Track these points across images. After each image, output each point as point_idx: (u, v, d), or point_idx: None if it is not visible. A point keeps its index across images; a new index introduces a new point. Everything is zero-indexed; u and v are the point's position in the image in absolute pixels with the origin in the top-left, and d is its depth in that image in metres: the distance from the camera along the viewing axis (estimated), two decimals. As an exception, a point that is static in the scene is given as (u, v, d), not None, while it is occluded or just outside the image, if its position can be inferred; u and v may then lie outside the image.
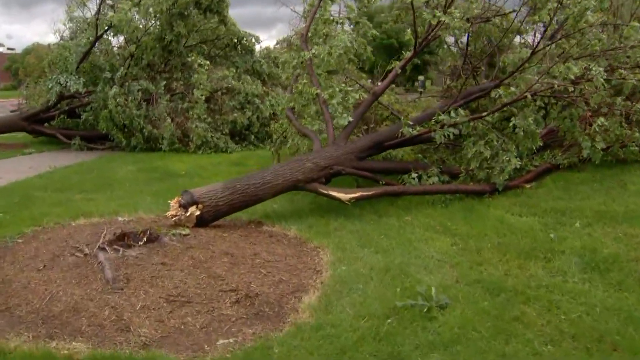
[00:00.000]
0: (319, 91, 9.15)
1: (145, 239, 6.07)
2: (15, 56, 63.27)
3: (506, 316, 4.46)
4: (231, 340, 4.24)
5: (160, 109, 14.42)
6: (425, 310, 4.55)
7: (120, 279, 5.19)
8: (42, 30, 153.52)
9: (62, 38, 18.87)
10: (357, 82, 10.91)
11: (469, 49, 10.69)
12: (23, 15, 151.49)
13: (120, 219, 7.54)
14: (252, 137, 15.14)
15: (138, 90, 14.67)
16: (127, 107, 14.04)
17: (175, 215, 6.96)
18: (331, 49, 9.49)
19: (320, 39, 10.34)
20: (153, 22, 15.97)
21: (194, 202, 6.98)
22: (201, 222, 7.01)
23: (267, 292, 5.12)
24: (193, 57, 15.19)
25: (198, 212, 6.95)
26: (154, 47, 16.04)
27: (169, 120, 14.12)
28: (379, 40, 49.27)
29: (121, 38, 17.99)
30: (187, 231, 6.58)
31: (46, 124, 16.92)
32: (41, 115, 16.42)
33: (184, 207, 6.97)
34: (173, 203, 7.05)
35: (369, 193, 8.11)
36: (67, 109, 16.14)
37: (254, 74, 17.05)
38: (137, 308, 4.69)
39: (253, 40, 17.59)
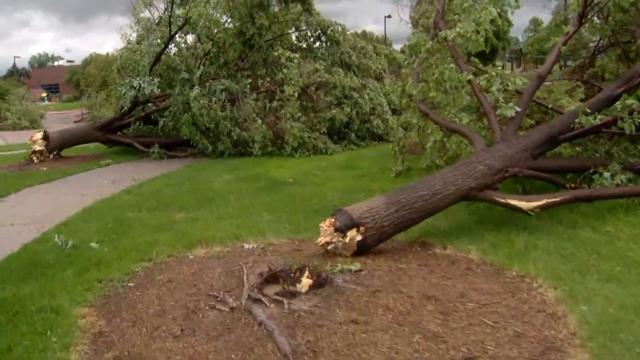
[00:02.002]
0: (471, 77, 7.26)
1: (308, 280, 4.29)
2: (75, 68, 63.76)
3: None
4: None
5: (247, 109, 12.76)
6: None
7: (304, 351, 3.42)
8: (97, 41, 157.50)
9: (128, 42, 17.64)
10: (475, 67, 9.01)
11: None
12: (79, 28, 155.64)
13: (247, 246, 5.83)
14: (352, 135, 13.25)
15: (221, 91, 13.06)
16: (212, 109, 12.42)
17: (330, 243, 5.19)
18: (478, 26, 7.59)
19: (457, 15, 8.45)
20: (230, 15, 14.32)
21: (354, 224, 5.20)
22: (362, 248, 5.26)
23: (512, 355, 3.50)
24: (280, 51, 13.50)
25: (360, 237, 5.19)
26: (232, 42, 14.45)
27: (259, 121, 12.42)
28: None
29: (189, 37, 16.66)
30: (357, 265, 4.80)
31: (119, 133, 15.57)
32: (115, 124, 15.05)
33: (341, 230, 5.18)
34: (326, 226, 5.28)
35: (557, 200, 6.31)
36: (143, 115, 14.69)
37: (342, 66, 15.21)
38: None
39: (340, 29, 15.75)
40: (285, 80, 13.12)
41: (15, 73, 68.42)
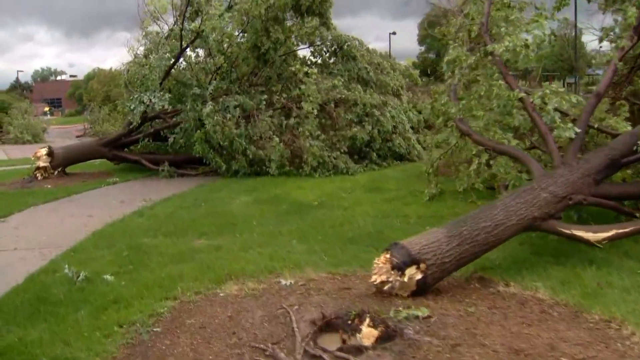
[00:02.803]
0: (523, 95, 6.61)
1: (371, 330, 3.60)
2: (78, 83, 63.28)
3: None
4: None
5: (263, 126, 12.11)
6: None
7: None
8: (100, 56, 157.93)
9: (135, 56, 17.04)
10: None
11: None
12: (82, 43, 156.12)
13: (283, 282, 5.14)
14: (374, 154, 12.55)
15: (234, 107, 12.42)
16: (226, 126, 11.77)
17: (387, 282, 4.49)
18: (527, 41, 6.96)
19: (502, 28, 7.83)
20: (243, 30, 13.71)
21: (413, 261, 4.51)
22: (422, 288, 4.59)
23: None
24: (297, 66, 12.89)
25: (420, 276, 4.50)
26: (245, 57, 13.84)
27: (276, 139, 11.74)
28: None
29: (200, 51, 16.08)
30: (424, 311, 4.11)
31: (126, 149, 14.90)
32: (122, 140, 14.39)
33: (399, 268, 4.49)
34: (381, 263, 4.60)
35: (626, 230, 5.83)
36: (152, 131, 14.03)
37: (359, 82, 14.58)
38: None
39: (357, 44, 15.16)
40: (303, 97, 12.50)
41: (18, 87, 67.91)
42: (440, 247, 4.71)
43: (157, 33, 17.61)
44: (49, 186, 12.31)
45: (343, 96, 12.76)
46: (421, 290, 4.58)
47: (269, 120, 12.32)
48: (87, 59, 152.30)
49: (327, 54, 15.35)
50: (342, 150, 11.95)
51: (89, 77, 54.83)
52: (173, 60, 13.67)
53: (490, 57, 7.22)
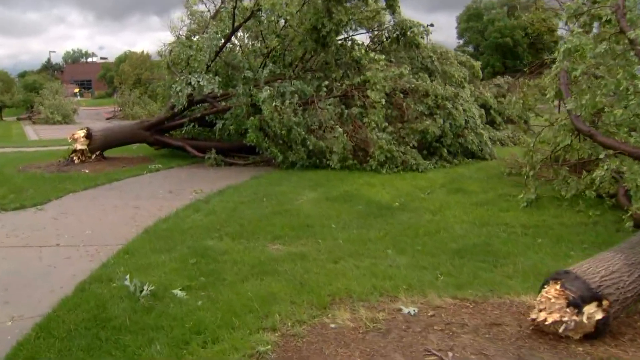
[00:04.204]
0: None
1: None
2: (109, 65, 62.71)
3: None
4: None
5: (324, 115, 10.93)
6: None
7: None
8: (130, 39, 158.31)
9: (178, 37, 16.01)
10: None
11: None
12: (113, 27, 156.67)
13: (405, 310, 4.03)
14: (445, 150, 11.28)
15: (291, 93, 11.27)
16: (284, 112, 10.62)
17: (559, 322, 3.33)
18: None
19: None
20: (301, 9, 12.53)
21: (593, 297, 3.34)
22: (601, 330, 3.43)
23: None
24: (362, 52, 11.69)
25: (601, 315, 3.32)
26: (303, 39, 12.66)
27: (339, 129, 10.55)
28: (492, 39, 44.94)
29: (246, 34, 14.98)
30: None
31: (166, 134, 13.83)
32: (165, 124, 13.33)
33: (575, 305, 3.32)
34: (551, 296, 3.44)
35: None
36: (199, 115, 12.91)
37: (423, 71, 13.33)
38: None
39: (423, 30, 13.89)
40: (368, 85, 11.30)
41: (49, 68, 67.67)
42: (621, 278, 3.56)
43: (202, 12, 16.65)
44: (87, 171, 11.32)
45: (413, 86, 11.50)
46: (599, 332, 3.42)
47: (331, 109, 11.13)
48: (117, 42, 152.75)
49: (388, 40, 14.09)
50: (411, 145, 10.71)
51: (120, 60, 54.06)
52: (223, 40, 12.53)
53: (627, 45, 5.98)
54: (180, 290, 4.38)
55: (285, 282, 4.59)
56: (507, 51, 42.15)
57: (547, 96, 7.36)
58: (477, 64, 16.15)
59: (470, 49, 49.02)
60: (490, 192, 8.56)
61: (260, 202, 7.97)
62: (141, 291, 4.28)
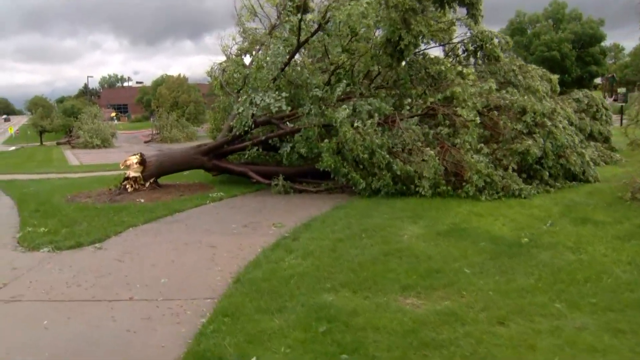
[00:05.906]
0: None
1: None
2: (146, 89, 62.75)
3: None
4: None
5: (410, 136, 9.60)
6: None
7: None
8: (163, 64, 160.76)
9: (227, 56, 15.00)
10: None
11: None
12: (148, 51, 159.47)
13: None
14: (546, 173, 9.75)
15: (367, 112, 10.01)
16: (366, 134, 9.33)
17: None
18: None
19: None
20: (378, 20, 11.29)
21: None
22: None
23: None
24: (446, 66, 10.40)
25: None
26: (375, 54, 11.44)
27: (430, 151, 9.20)
28: (539, 52, 43.23)
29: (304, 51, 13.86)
30: None
31: (223, 159, 12.64)
32: (225, 148, 12.16)
33: None
34: None
35: None
36: (263, 138, 11.69)
37: (507, 86, 11.96)
38: None
39: (504, 42, 12.56)
40: (456, 101, 9.97)
41: (86, 93, 68.02)
42: None
43: (256, 29, 15.62)
44: (142, 200, 10.20)
45: (507, 102, 10.11)
46: None
47: (417, 129, 9.81)
48: (151, 67, 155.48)
49: (465, 54, 12.81)
50: (511, 168, 9.26)
51: (157, 83, 53.99)
52: (288, 56, 11.39)
53: None
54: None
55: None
56: (555, 65, 40.43)
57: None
58: (555, 78, 14.67)
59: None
60: (625, 223, 7.10)
61: (360, 239, 6.64)
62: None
